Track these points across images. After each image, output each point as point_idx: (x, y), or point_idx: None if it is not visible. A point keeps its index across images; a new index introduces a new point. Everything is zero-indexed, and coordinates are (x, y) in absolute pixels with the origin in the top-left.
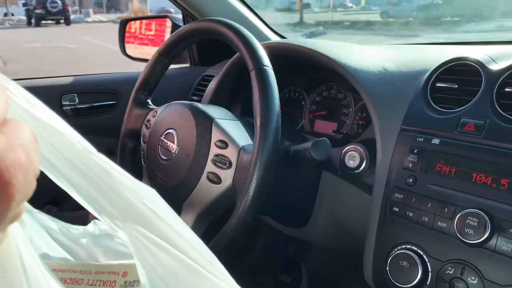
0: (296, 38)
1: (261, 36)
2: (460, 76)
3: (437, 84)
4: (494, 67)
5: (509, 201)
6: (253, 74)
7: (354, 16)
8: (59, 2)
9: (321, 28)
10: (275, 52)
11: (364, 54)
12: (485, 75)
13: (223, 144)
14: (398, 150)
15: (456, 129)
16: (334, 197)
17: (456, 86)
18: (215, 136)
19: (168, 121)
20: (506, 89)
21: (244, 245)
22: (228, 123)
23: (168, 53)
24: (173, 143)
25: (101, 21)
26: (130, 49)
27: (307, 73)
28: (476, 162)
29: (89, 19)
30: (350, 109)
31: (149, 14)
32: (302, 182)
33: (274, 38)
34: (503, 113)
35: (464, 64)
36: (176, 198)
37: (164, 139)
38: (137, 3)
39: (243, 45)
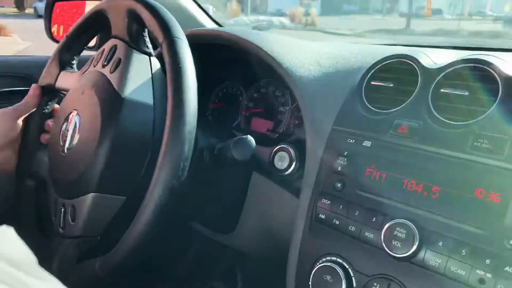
0: (232, 27)
1: (196, 24)
2: (396, 74)
3: (372, 83)
4: (432, 66)
5: (439, 211)
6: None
7: (487, 25)
8: None
9: (265, 22)
10: (205, 40)
11: (301, 49)
12: (421, 74)
13: None
14: (328, 152)
15: (389, 131)
16: (263, 201)
17: (391, 85)
18: None
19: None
20: (442, 90)
21: (175, 252)
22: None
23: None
24: (72, 133)
25: None
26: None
27: (245, 67)
28: (408, 168)
29: None
30: (287, 107)
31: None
32: (230, 184)
33: (212, 26)
34: (438, 116)
35: (401, 62)
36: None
37: (65, 126)
38: (235, 3)
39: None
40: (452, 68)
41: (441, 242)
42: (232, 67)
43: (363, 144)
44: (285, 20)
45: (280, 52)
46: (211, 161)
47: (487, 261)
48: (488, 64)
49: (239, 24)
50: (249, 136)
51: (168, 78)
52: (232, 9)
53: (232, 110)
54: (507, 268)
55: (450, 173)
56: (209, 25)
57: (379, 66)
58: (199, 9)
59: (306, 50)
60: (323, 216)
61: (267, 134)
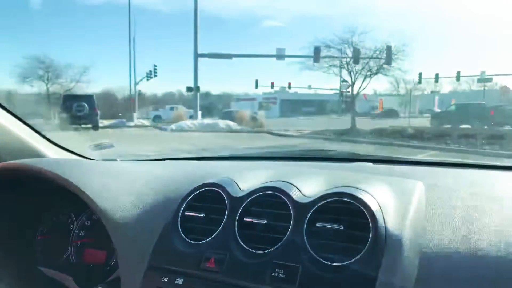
0: (48, 159)
1: (36, 154)
2: (208, 203)
3: (186, 213)
4: (237, 194)
5: None
6: None
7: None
8: (86, 105)
9: (108, 140)
10: (14, 175)
11: (120, 180)
12: (228, 203)
13: None
14: None
15: (199, 265)
16: None
17: (203, 215)
18: None
19: None
20: (245, 219)
21: None
22: None
23: None
24: None
25: (143, 125)
26: None
27: (74, 194)
28: None
29: (131, 124)
30: None
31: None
32: None
33: (54, 154)
34: (243, 245)
35: (211, 191)
36: None
37: None
38: (182, 109)
39: None
40: (254, 196)
41: None
42: (60, 194)
43: (176, 282)
44: (231, 123)
45: (93, 190)
46: None
47: None
48: (281, 191)
49: (180, 128)
50: None
51: None
52: (176, 114)
53: (61, 241)
54: None
55: None
56: (53, 153)
57: (193, 195)
58: (42, 138)
59: (126, 180)
60: None
61: (97, 267)
